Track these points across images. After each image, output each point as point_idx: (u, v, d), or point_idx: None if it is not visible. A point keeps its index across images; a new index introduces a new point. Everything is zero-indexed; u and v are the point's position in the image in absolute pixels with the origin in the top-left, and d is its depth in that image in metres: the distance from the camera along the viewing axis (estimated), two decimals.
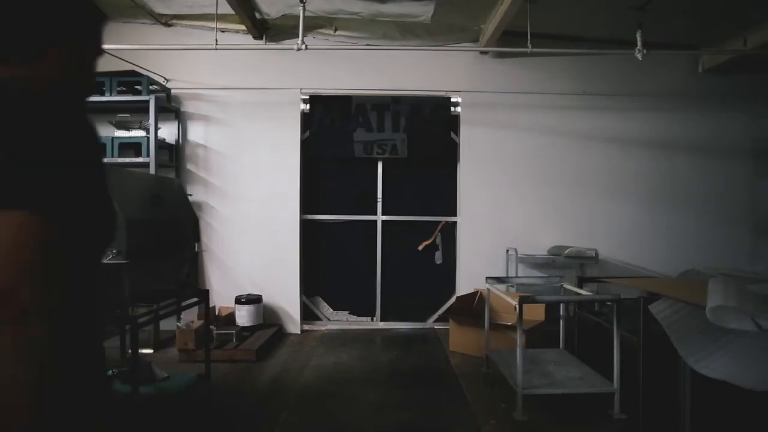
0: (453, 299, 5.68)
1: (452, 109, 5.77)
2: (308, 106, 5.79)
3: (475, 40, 5.66)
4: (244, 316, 5.29)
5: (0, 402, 0.66)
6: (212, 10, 4.62)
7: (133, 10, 5.31)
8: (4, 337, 0.66)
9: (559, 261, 5.45)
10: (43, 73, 0.92)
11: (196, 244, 3.83)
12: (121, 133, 5.26)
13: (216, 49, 4.49)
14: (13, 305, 0.67)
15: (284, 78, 5.64)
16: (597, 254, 5.46)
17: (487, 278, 4.23)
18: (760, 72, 5.64)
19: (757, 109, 5.79)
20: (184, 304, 3.59)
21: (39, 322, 0.68)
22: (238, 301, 5.33)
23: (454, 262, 5.86)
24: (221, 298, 5.46)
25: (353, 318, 6.00)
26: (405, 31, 5.56)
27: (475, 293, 5.40)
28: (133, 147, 5.26)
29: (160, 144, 5.33)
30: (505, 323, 4.74)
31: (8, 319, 0.67)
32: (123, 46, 5.17)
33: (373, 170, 5.91)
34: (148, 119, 5.13)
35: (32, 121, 0.77)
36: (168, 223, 3.39)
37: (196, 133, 5.75)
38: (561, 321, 4.17)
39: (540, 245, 5.65)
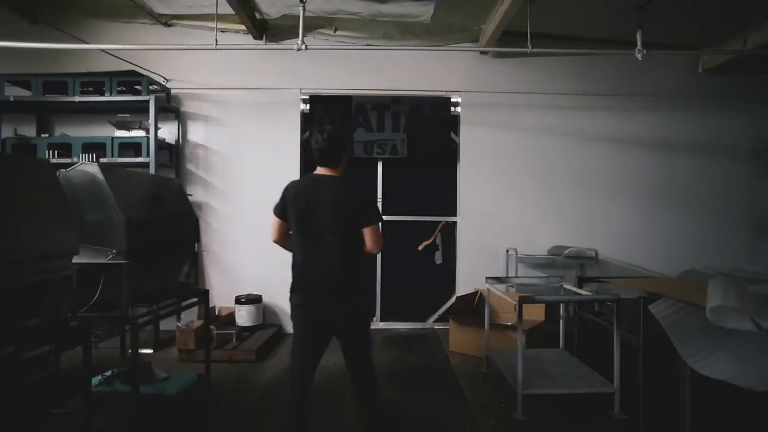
0: (453, 299, 5.68)
1: (452, 109, 5.77)
2: (308, 106, 5.78)
3: (475, 40, 5.66)
4: (244, 316, 5.29)
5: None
6: (212, 10, 4.61)
7: (133, 10, 5.31)
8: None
9: (559, 261, 5.45)
10: (341, 169, 2.74)
11: (196, 244, 3.83)
12: (121, 133, 5.25)
13: (216, 49, 4.48)
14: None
15: (284, 78, 5.64)
16: (597, 254, 5.46)
17: (487, 278, 4.23)
18: (760, 72, 5.64)
19: (757, 109, 5.79)
20: (184, 304, 3.58)
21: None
22: (238, 301, 5.33)
23: (454, 262, 5.86)
24: (221, 298, 5.46)
25: None
26: (405, 31, 5.56)
27: (475, 293, 5.40)
28: (133, 147, 5.26)
29: (160, 144, 5.33)
30: (505, 323, 4.74)
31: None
32: (123, 46, 5.19)
33: (373, 170, 5.91)
34: (148, 119, 5.13)
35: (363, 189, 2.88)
36: (168, 223, 3.39)
37: (196, 133, 5.75)
38: (561, 321, 4.17)
39: (540, 245, 5.65)
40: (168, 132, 5.58)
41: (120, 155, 5.19)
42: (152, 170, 5.07)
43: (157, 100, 5.16)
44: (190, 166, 5.73)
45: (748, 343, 2.45)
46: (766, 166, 5.81)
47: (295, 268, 2.81)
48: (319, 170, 2.77)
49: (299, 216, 2.70)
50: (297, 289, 2.78)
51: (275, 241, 2.94)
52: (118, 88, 5.24)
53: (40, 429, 2.69)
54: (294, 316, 2.76)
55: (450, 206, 5.88)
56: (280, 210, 2.80)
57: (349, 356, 2.70)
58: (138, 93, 5.24)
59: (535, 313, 4.78)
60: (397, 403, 3.63)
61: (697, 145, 5.82)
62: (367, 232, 2.63)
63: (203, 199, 5.70)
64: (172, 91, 5.66)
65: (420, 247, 5.91)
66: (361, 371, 2.71)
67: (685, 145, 5.82)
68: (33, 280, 2.14)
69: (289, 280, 2.78)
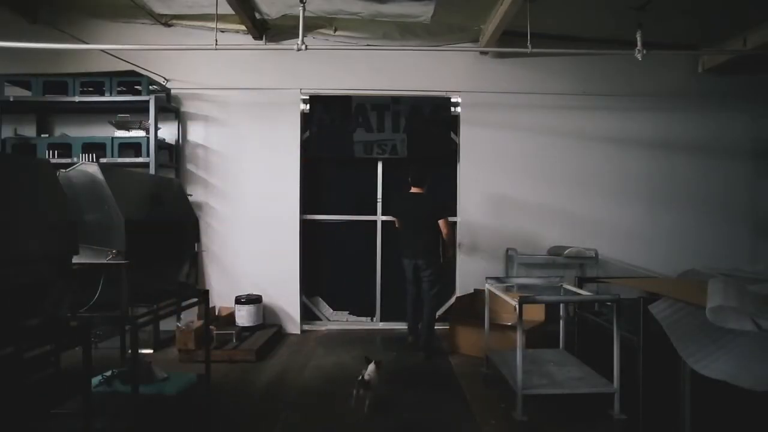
0: (453, 299, 5.68)
1: (452, 109, 5.77)
2: (308, 107, 5.79)
3: (475, 40, 5.66)
4: (244, 316, 5.29)
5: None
6: (212, 10, 4.61)
7: (133, 11, 5.31)
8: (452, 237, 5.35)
9: (559, 261, 5.45)
10: (425, 188, 4.96)
11: (196, 244, 3.83)
12: (121, 133, 5.25)
13: (216, 49, 4.48)
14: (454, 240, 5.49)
15: (284, 78, 5.64)
16: (597, 254, 5.46)
17: (487, 278, 4.23)
18: (760, 72, 5.64)
19: (757, 109, 5.79)
20: (184, 304, 3.58)
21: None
22: (238, 301, 5.33)
23: (455, 262, 5.85)
24: (221, 298, 5.46)
25: (353, 318, 5.99)
26: (405, 31, 5.56)
27: (475, 293, 5.39)
28: (133, 147, 5.26)
29: (160, 144, 5.33)
30: (505, 323, 4.74)
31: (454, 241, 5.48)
32: (123, 46, 5.19)
33: (373, 170, 5.91)
34: (148, 119, 5.13)
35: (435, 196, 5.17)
36: (168, 223, 3.38)
37: (196, 133, 5.75)
38: (561, 321, 4.17)
39: (540, 245, 5.66)
40: (168, 132, 5.58)
41: (120, 155, 5.19)
42: (152, 170, 5.07)
43: (157, 100, 5.16)
44: (190, 166, 5.73)
45: (748, 343, 2.45)
46: (766, 166, 5.82)
47: (402, 243, 4.98)
48: (413, 189, 4.90)
49: (404, 215, 4.96)
50: (404, 254, 4.97)
51: (397, 228, 5.13)
52: (118, 88, 5.24)
53: (40, 429, 2.69)
54: (406, 268, 4.98)
55: (450, 206, 5.87)
56: (393, 212, 5.23)
57: (421, 287, 4.92)
58: (138, 93, 5.24)
59: (535, 313, 4.78)
60: (397, 403, 3.63)
61: (697, 145, 5.82)
62: (440, 223, 4.75)
63: (203, 199, 5.70)
64: (172, 91, 5.66)
65: None
66: (426, 299, 4.88)
67: (685, 145, 5.82)
68: (33, 280, 2.14)
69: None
